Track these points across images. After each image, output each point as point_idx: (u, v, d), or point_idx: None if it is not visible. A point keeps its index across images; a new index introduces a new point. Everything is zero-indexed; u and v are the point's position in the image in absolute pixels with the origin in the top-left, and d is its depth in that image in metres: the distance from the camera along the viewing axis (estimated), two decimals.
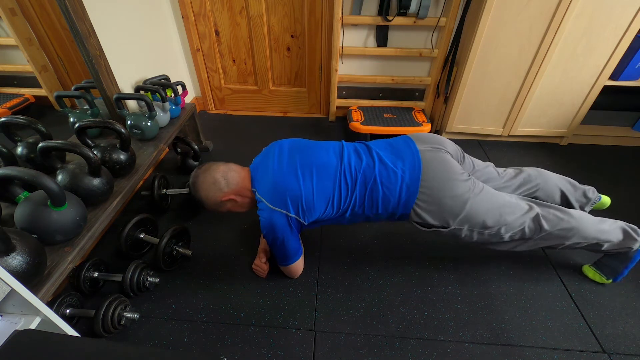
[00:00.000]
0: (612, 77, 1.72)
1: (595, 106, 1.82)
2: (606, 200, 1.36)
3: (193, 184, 1.10)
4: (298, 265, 1.17)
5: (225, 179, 1.08)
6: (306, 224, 1.04)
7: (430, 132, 2.06)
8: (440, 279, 1.21)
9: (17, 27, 1.21)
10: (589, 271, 1.21)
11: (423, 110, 2.08)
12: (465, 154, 1.19)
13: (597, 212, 1.34)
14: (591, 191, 1.28)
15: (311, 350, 1.00)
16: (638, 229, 1.10)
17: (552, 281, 1.20)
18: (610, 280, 1.17)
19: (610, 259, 1.16)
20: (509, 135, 1.96)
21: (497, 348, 1.00)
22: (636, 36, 1.56)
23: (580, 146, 1.98)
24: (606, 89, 1.73)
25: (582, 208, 1.28)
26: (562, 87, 1.74)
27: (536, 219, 1.03)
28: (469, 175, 1.04)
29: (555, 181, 1.24)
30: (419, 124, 1.94)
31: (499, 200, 1.04)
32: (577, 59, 1.63)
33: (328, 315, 1.10)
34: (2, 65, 1.29)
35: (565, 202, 1.25)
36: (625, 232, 1.08)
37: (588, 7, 1.48)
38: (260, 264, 1.21)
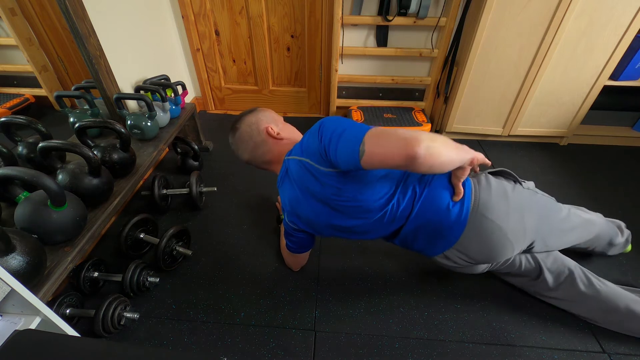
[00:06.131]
0: (612, 77, 1.72)
1: (595, 106, 1.82)
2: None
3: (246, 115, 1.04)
4: (305, 257, 1.18)
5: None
6: None
7: (430, 132, 2.06)
8: (441, 279, 1.21)
9: (17, 27, 1.21)
10: None
11: (423, 110, 2.08)
12: None
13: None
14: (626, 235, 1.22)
15: (311, 350, 1.00)
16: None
17: None
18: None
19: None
20: (509, 135, 1.96)
21: (497, 348, 1.00)
22: (636, 36, 1.56)
23: (580, 146, 1.98)
24: (606, 89, 1.73)
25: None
26: (562, 87, 1.74)
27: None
28: None
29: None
30: (419, 124, 1.94)
31: None
32: (577, 59, 1.63)
33: (328, 315, 1.09)
34: (2, 65, 1.29)
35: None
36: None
37: (588, 7, 1.48)
38: None
